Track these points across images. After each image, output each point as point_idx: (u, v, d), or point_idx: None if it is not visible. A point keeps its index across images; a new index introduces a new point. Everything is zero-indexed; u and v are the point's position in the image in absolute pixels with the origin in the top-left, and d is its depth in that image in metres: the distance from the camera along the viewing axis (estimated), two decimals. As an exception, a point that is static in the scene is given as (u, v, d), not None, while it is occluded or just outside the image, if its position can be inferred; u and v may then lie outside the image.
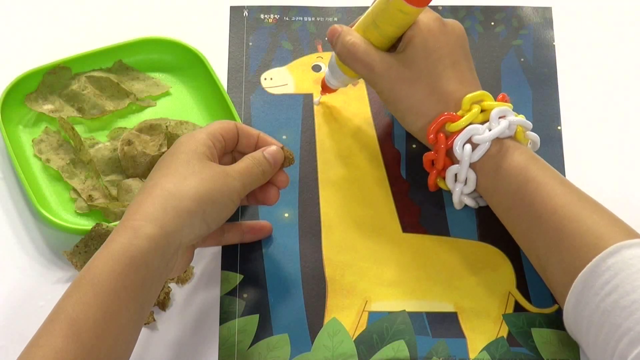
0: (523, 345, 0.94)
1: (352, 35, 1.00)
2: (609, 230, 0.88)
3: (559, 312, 0.94)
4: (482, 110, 0.97)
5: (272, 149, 0.94)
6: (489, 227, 1.00)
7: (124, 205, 1.00)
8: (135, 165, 1.03)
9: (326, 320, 0.96)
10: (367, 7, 1.01)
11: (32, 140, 1.05)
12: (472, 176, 0.97)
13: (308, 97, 1.09)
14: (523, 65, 1.12)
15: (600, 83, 1.12)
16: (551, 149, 1.06)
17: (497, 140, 0.96)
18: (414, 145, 1.06)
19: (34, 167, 1.04)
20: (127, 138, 1.04)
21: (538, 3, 1.16)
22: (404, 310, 0.96)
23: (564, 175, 1.01)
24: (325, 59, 1.12)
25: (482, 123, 0.97)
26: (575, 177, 0.98)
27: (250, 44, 1.13)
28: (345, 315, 0.96)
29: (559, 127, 1.08)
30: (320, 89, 1.07)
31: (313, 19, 1.15)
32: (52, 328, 0.80)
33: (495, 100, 0.99)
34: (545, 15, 1.16)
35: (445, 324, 0.95)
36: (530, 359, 0.93)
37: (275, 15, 1.15)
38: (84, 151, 1.04)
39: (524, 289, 0.97)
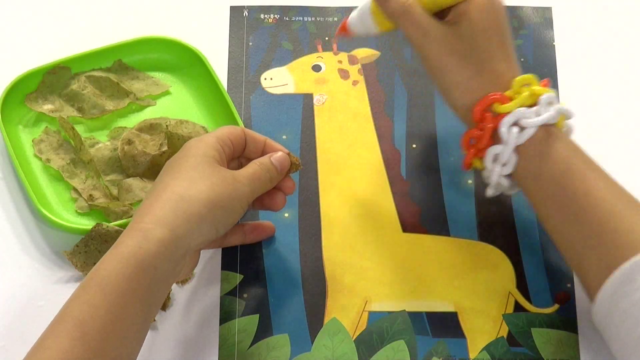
0: (523, 345, 0.94)
1: None
2: None
3: (559, 312, 0.94)
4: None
5: (279, 155, 0.94)
6: (489, 227, 1.01)
7: (124, 204, 1.00)
8: (135, 165, 1.03)
9: (326, 320, 0.96)
10: (367, 8, 1.00)
11: (32, 140, 1.05)
12: (513, 159, 0.93)
13: (308, 97, 1.09)
14: (523, 65, 1.11)
15: (600, 83, 1.12)
16: (551, 148, 1.06)
17: (543, 126, 0.93)
18: (414, 145, 1.06)
19: (34, 167, 1.03)
20: (127, 137, 1.04)
21: (538, 3, 1.16)
22: (404, 310, 0.96)
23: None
24: (325, 59, 1.12)
25: (529, 107, 0.95)
26: (575, 177, 0.98)
27: (250, 44, 1.13)
28: (345, 315, 0.96)
29: (559, 127, 1.08)
30: (338, 29, 1.01)
31: (313, 19, 1.15)
32: (58, 329, 0.80)
33: (540, 85, 0.97)
34: (545, 15, 1.16)
35: (445, 324, 0.95)
36: (530, 359, 0.93)
37: (275, 15, 1.15)
38: (84, 151, 1.04)
39: (524, 289, 0.97)
